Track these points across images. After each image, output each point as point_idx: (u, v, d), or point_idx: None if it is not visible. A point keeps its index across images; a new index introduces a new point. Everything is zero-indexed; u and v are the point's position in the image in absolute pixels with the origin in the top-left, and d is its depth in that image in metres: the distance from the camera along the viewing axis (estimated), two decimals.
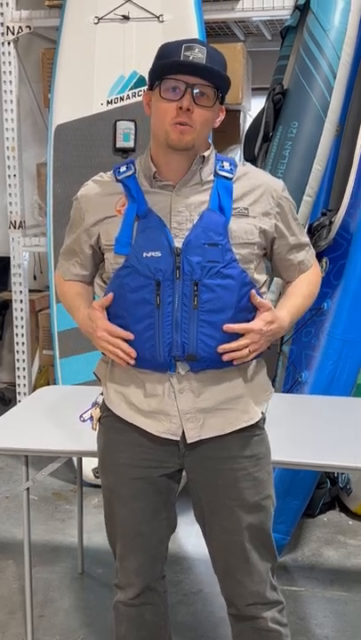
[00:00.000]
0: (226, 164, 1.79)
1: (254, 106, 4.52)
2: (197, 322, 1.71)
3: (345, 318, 2.99)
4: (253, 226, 1.76)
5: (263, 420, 1.90)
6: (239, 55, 3.85)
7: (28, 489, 2.42)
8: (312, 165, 3.09)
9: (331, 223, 3.06)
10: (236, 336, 1.73)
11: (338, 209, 3.09)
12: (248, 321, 1.74)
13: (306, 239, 1.91)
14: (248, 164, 1.87)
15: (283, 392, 3.16)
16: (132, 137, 3.56)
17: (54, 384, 3.96)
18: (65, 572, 3.01)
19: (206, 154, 1.77)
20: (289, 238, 1.85)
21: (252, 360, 1.79)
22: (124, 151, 3.57)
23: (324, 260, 3.11)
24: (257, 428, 1.88)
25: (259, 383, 1.88)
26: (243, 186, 1.78)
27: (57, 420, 2.60)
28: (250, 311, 1.75)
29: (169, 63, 1.68)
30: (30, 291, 4.37)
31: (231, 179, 1.77)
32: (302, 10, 3.28)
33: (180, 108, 1.67)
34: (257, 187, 1.79)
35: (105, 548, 3.14)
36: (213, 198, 1.75)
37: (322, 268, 3.11)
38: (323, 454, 2.32)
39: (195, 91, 1.67)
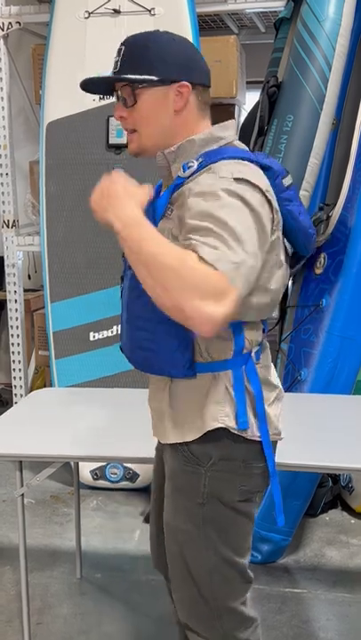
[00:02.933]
0: (194, 163, 1.60)
1: (249, 99, 4.46)
2: (124, 317, 1.73)
3: (344, 315, 2.93)
4: (168, 230, 1.60)
5: (197, 457, 1.67)
6: (232, 48, 3.79)
7: (22, 495, 2.37)
8: (308, 159, 3.03)
9: (328, 218, 3.00)
10: (144, 340, 1.66)
11: (335, 203, 3.04)
12: (140, 328, 1.65)
13: (201, 226, 1.47)
14: (228, 163, 1.58)
15: None
16: (125, 133, 3.49)
17: (50, 385, 3.91)
18: (63, 577, 2.96)
19: (167, 150, 1.64)
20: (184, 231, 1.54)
21: (183, 378, 1.65)
22: (117, 147, 3.52)
23: (322, 256, 3.05)
24: (183, 457, 1.69)
25: (184, 413, 1.68)
26: (186, 186, 1.60)
27: (52, 423, 2.55)
28: (142, 319, 1.63)
29: (85, 82, 1.68)
30: (25, 290, 4.32)
31: (184, 178, 1.61)
32: (296, 1, 3.22)
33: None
34: (189, 188, 1.58)
35: (103, 552, 3.12)
36: (157, 199, 1.65)
37: (320, 263, 3.06)
38: (324, 455, 2.27)
39: (121, 96, 1.64)
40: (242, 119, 4.22)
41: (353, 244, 2.92)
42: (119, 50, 1.64)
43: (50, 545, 3.20)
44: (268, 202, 1.56)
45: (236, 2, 3.65)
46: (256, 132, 3.24)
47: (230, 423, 1.64)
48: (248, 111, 3.57)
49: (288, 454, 2.25)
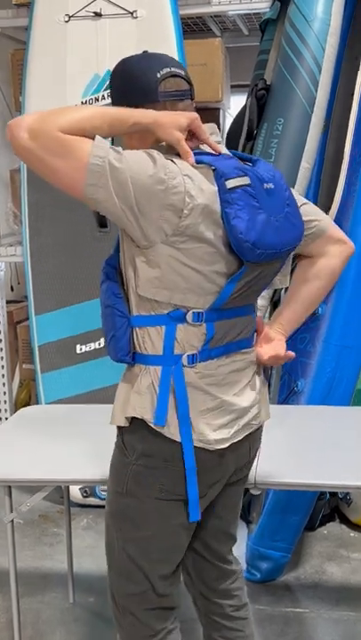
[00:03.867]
0: None
1: (233, 104, 4.38)
2: None
3: (341, 323, 2.83)
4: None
5: (125, 447, 1.74)
6: (217, 51, 3.70)
7: (12, 520, 2.25)
8: (300, 163, 2.94)
9: None
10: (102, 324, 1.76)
11: (328, 208, 2.94)
12: (102, 313, 1.76)
13: None
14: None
15: (278, 403, 3.01)
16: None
17: (36, 399, 3.78)
18: (55, 602, 2.84)
19: None
20: None
21: (125, 365, 1.75)
22: None
23: None
24: (118, 444, 1.77)
25: (119, 397, 1.76)
26: None
27: (41, 443, 2.43)
28: (101, 303, 1.74)
29: None
30: (8, 302, 4.20)
31: None
32: (283, 1, 3.13)
33: None
34: None
35: (96, 574, 3.00)
36: None
37: None
38: (323, 472, 2.17)
39: None
40: (227, 123, 4.14)
41: None
42: None
43: (40, 568, 3.08)
44: (183, 180, 1.57)
45: (220, 3, 3.56)
46: (245, 137, 3.15)
47: (147, 416, 1.67)
48: (232, 115, 3.49)
49: (285, 472, 2.16)
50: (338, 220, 2.88)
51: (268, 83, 3.13)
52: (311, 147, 2.96)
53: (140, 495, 1.71)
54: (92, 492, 3.52)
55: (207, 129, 1.69)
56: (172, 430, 1.67)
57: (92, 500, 3.52)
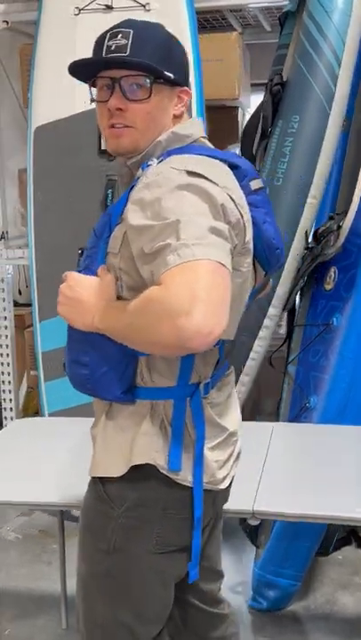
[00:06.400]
0: (154, 161, 1.40)
1: (255, 103, 4.20)
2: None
3: (358, 335, 2.64)
4: (122, 233, 1.40)
5: (110, 499, 1.46)
6: (234, 45, 3.52)
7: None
8: (316, 163, 2.76)
9: (339, 228, 2.72)
10: (79, 353, 1.47)
11: (346, 211, 2.76)
12: (78, 340, 1.47)
13: (160, 243, 1.26)
14: (185, 156, 1.38)
15: (289, 420, 2.81)
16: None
17: (40, 409, 3.63)
18: (48, 626, 2.67)
19: (131, 161, 1.47)
20: (133, 249, 1.36)
21: (113, 404, 1.46)
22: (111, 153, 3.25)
23: (332, 270, 2.77)
24: (96, 494, 1.49)
25: (113, 443, 1.46)
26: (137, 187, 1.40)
27: (40, 459, 2.27)
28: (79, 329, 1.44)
29: (82, 62, 1.47)
30: (18, 305, 4.08)
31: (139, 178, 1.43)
32: None
33: (110, 110, 1.43)
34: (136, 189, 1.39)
35: None
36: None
37: (330, 278, 2.78)
38: (336, 501, 1.98)
39: (122, 86, 1.42)
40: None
41: None
42: (124, 32, 1.43)
43: (36, 589, 2.91)
44: (229, 197, 1.33)
45: None
46: (259, 135, 2.97)
47: (160, 461, 1.42)
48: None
49: (295, 501, 1.98)
50: (355, 227, 2.70)
51: (284, 78, 2.95)
52: (329, 146, 2.78)
53: (130, 552, 1.46)
54: None
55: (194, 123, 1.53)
56: (182, 474, 1.43)
57: None
